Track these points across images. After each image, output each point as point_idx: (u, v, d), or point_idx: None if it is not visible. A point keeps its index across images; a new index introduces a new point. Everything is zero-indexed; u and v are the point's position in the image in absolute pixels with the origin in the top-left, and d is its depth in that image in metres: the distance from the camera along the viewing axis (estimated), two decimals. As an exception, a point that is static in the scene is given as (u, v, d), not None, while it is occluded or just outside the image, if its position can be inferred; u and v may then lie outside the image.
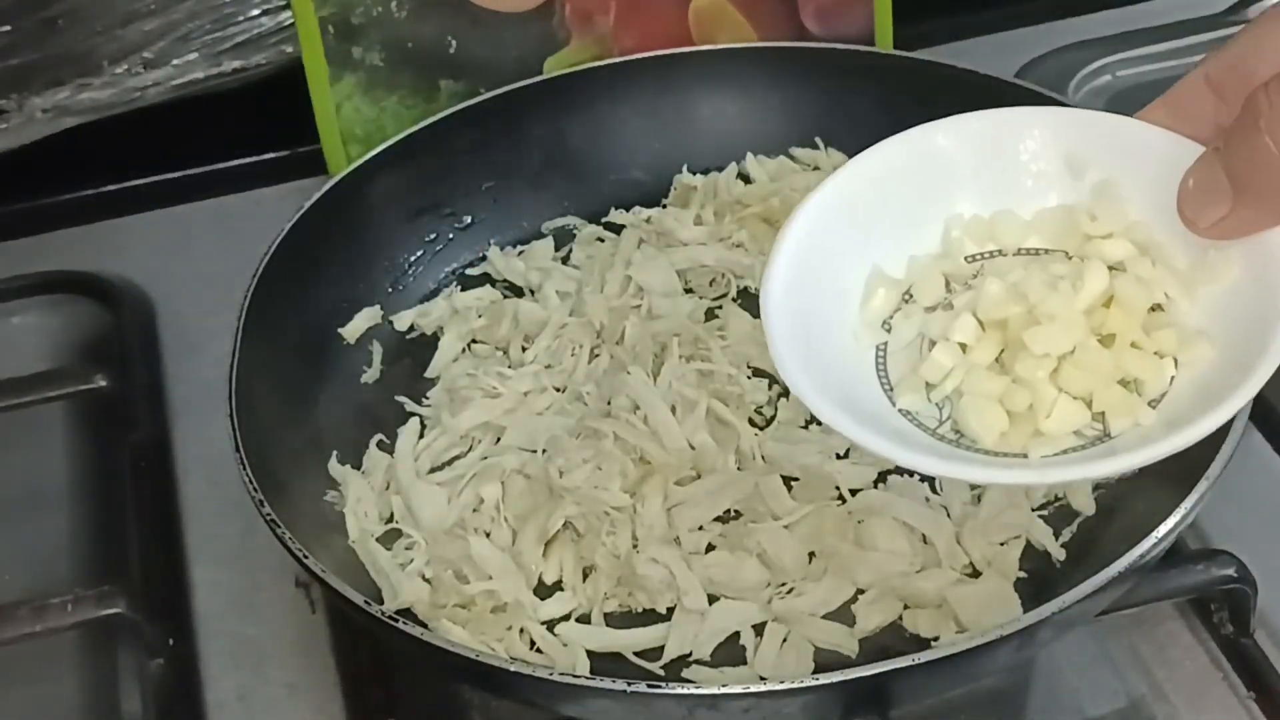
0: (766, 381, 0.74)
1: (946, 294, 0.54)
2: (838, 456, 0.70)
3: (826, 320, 0.53)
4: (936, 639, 0.63)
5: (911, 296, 0.55)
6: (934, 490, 0.69)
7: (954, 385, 0.52)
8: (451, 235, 0.84)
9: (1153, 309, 0.51)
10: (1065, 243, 0.53)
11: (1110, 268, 0.51)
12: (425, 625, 0.64)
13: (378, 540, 0.68)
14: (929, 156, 0.54)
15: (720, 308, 0.79)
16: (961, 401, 0.51)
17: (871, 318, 0.54)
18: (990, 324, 0.52)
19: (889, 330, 0.54)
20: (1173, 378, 0.50)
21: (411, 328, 0.81)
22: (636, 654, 0.64)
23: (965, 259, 0.54)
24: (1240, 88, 0.48)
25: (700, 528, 0.68)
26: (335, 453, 0.72)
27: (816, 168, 0.86)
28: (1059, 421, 0.50)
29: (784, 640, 0.63)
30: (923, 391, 0.52)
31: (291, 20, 0.89)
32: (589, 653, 0.64)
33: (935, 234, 0.55)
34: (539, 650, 0.64)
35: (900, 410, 0.52)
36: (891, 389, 0.53)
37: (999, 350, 0.52)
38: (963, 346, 0.52)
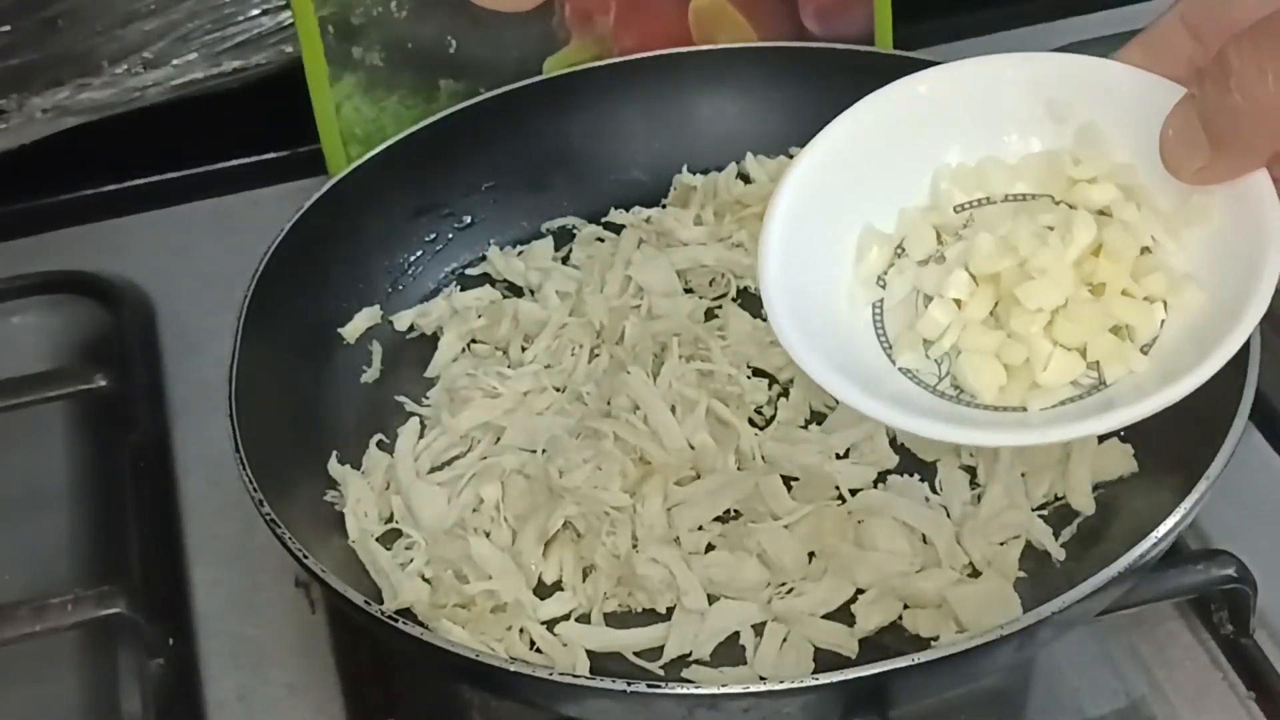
0: (766, 381, 0.74)
1: (938, 246, 0.54)
2: (838, 456, 0.70)
3: (823, 284, 0.53)
4: (936, 639, 0.63)
5: (904, 251, 0.55)
6: (934, 490, 0.69)
7: (951, 342, 0.52)
8: (451, 235, 0.84)
9: (1141, 252, 0.51)
10: (1051, 187, 0.53)
11: (1098, 212, 0.51)
12: (425, 625, 0.64)
13: (378, 540, 0.68)
14: (911, 109, 0.54)
15: (720, 308, 0.79)
16: (959, 358, 0.52)
17: (866, 275, 0.54)
18: (983, 278, 0.52)
19: (884, 287, 0.54)
20: (1163, 321, 0.50)
21: (411, 328, 0.81)
22: (636, 654, 0.64)
23: (954, 209, 0.54)
24: (1214, 28, 0.48)
25: (700, 528, 0.68)
26: (335, 453, 0.72)
27: (817, 167, 0.86)
28: (1055, 374, 0.50)
29: (784, 640, 0.63)
30: (921, 349, 0.53)
31: (291, 20, 0.89)
32: (589, 653, 0.64)
33: (923, 186, 0.55)
34: (539, 650, 0.64)
35: (900, 369, 0.52)
36: (890, 347, 0.53)
37: (993, 304, 0.52)
38: (957, 302, 0.53)
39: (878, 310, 0.54)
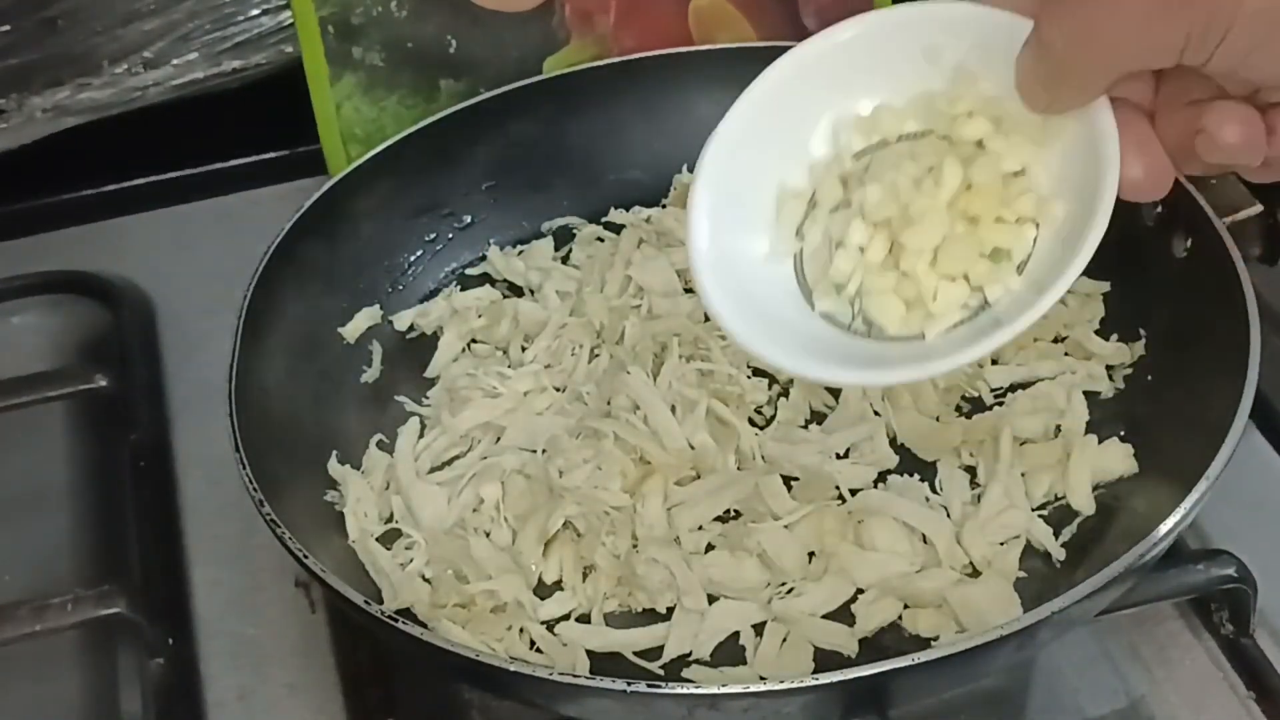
0: (766, 381, 0.74)
1: (844, 193, 0.58)
2: (838, 456, 0.70)
3: (748, 245, 0.58)
4: (936, 639, 0.63)
5: (816, 202, 0.59)
6: (934, 490, 0.69)
7: (856, 285, 0.57)
8: (451, 235, 0.84)
9: (1013, 176, 0.55)
10: (935, 124, 0.57)
11: (979, 142, 0.56)
12: (425, 625, 0.64)
13: (378, 540, 0.68)
14: (804, 76, 0.58)
15: (720, 308, 0.79)
16: (866, 298, 0.57)
17: (785, 230, 0.59)
18: (877, 224, 0.57)
19: (802, 239, 0.58)
20: (1035, 239, 0.55)
21: (411, 328, 0.81)
22: (636, 654, 0.64)
23: (854, 156, 0.58)
24: None
25: (700, 528, 0.68)
26: (335, 453, 0.72)
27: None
28: (944, 303, 0.55)
29: (784, 640, 0.63)
30: (834, 293, 0.57)
31: (291, 20, 0.89)
32: (589, 653, 0.64)
33: (827, 140, 0.59)
34: (539, 650, 0.64)
35: (820, 314, 0.57)
36: (810, 294, 0.58)
37: (889, 245, 0.56)
38: (861, 248, 0.57)
39: (798, 261, 0.58)
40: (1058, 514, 0.68)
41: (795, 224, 0.58)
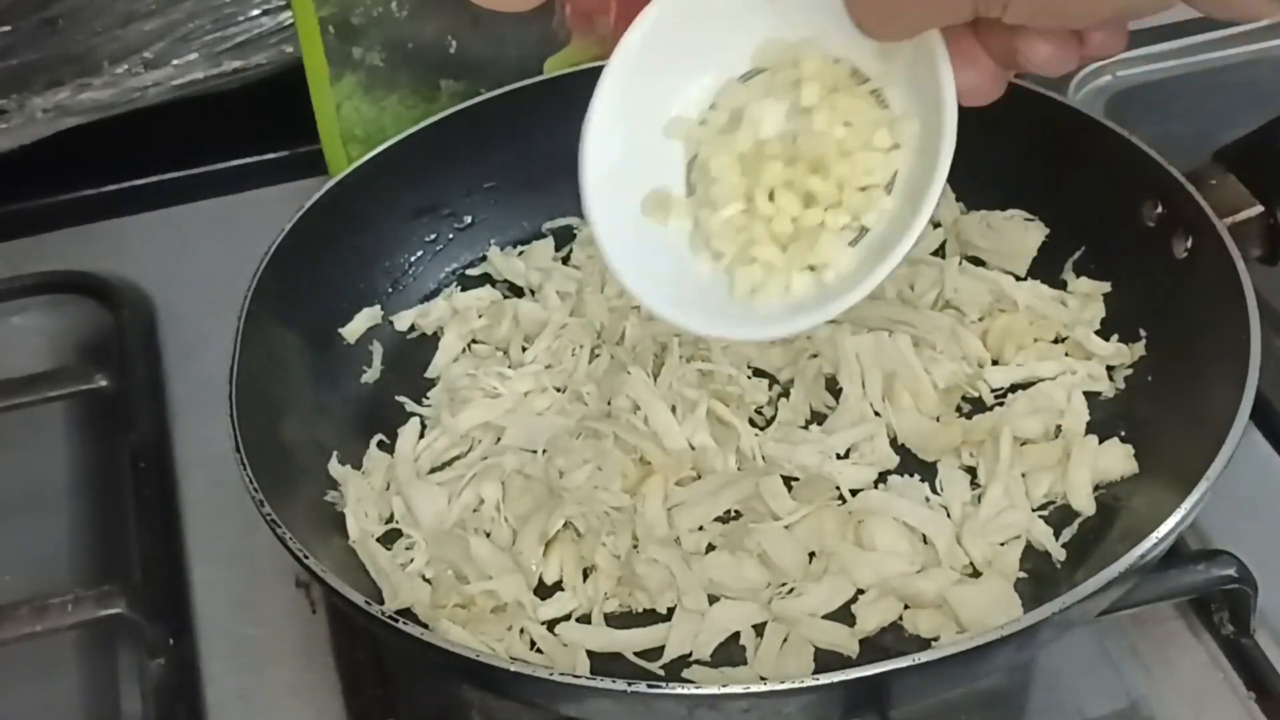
0: (766, 381, 0.74)
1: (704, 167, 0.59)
2: (838, 456, 0.70)
3: (645, 228, 0.60)
4: (936, 639, 0.63)
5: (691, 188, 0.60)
6: (934, 490, 0.69)
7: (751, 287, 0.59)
8: (451, 235, 0.84)
9: (876, 97, 0.57)
10: (777, 61, 0.58)
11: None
12: (425, 625, 0.64)
13: (378, 540, 0.69)
14: (647, 56, 0.58)
15: (720, 308, 0.79)
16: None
17: (670, 217, 0.60)
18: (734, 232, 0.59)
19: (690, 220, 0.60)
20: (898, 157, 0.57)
21: (411, 328, 0.81)
22: (637, 654, 0.64)
23: (702, 123, 0.60)
24: None
25: (700, 528, 0.68)
26: (335, 453, 0.72)
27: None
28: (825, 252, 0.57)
29: (784, 640, 0.63)
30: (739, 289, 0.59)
31: (291, 20, 0.89)
32: (589, 653, 0.64)
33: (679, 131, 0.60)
34: (539, 650, 0.64)
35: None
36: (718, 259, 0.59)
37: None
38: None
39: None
40: (1058, 514, 0.68)
41: (674, 210, 0.60)
